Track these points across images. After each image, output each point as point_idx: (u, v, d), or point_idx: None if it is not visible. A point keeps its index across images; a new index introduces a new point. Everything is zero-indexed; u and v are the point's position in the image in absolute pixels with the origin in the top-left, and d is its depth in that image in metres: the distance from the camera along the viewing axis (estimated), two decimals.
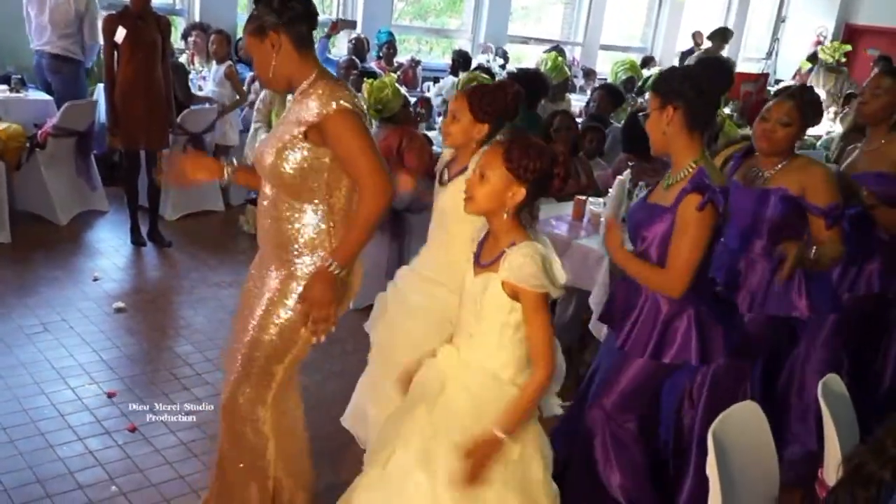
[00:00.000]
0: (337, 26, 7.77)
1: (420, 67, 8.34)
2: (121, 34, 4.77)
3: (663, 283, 2.32)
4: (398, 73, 7.53)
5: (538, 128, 4.73)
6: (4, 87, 5.76)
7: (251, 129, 5.42)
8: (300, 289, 2.18)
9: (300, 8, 2.11)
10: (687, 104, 2.30)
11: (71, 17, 5.92)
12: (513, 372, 2.06)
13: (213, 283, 4.75)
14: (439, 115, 6.48)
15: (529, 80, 5.11)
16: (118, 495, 2.77)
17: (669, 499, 2.76)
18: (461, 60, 7.72)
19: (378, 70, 6.90)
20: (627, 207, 3.81)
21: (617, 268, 3.34)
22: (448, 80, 7.19)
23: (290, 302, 2.20)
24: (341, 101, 2.07)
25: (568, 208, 4.04)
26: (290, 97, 2.41)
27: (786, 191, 2.69)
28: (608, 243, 2.49)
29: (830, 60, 10.08)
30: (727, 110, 6.90)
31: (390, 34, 8.16)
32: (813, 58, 10.50)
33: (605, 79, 8.72)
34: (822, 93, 8.87)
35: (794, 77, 10.67)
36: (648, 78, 7.98)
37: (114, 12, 4.89)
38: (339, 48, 8.40)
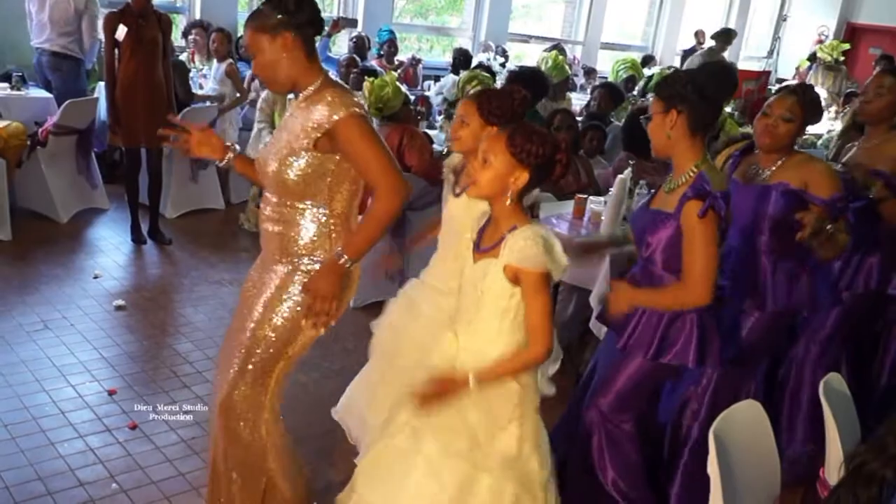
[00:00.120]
0: (338, 25, 7.77)
1: (420, 66, 8.34)
2: (122, 32, 4.77)
3: (689, 297, 2.31)
4: (399, 71, 7.53)
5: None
6: (5, 84, 5.76)
7: (254, 129, 5.40)
8: (299, 289, 2.19)
9: (312, 12, 2.12)
10: (690, 108, 2.30)
11: (70, 14, 5.92)
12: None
13: (214, 280, 4.76)
14: (440, 113, 6.47)
15: (530, 79, 5.12)
16: (119, 493, 2.77)
17: (664, 498, 2.77)
18: (462, 59, 7.71)
19: (378, 68, 6.90)
20: (629, 207, 3.83)
21: (616, 269, 3.35)
22: (449, 79, 7.18)
23: (289, 302, 2.21)
24: (352, 108, 2.08)
25: (568, 207, 4.04)
26: (289, 96, 2.40)
27: (787, 185, 2.68)
28: (621, 306, 2.44)
29: (829, 59, 10.08)
30: (728, 109, 6.89)
31: (391, 32, 8.16)
32: (812, 56, 10.50)
33: (606, 77, 8.70)
34: (822, 92, 8.86)
35: (794, 76, 10.66)
36: (651, 77, 7.96)
37: (115, 10, 4.88)
38: (340, 46, 8.41)
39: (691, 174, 2.32)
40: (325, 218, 2.19)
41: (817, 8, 12.25)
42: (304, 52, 2.12)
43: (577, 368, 3.73)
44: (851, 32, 12.36)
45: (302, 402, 3.36)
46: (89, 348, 3.76)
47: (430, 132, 5.65)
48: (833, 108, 8.59)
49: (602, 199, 3.95)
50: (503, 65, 8.41)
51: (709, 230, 2.24)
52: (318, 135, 2.09)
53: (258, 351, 2.24)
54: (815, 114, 2.78)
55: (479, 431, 2.07)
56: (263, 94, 5.52)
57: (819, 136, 7.66)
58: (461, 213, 2.60)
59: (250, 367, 2.25)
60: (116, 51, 4.85)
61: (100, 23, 5.79)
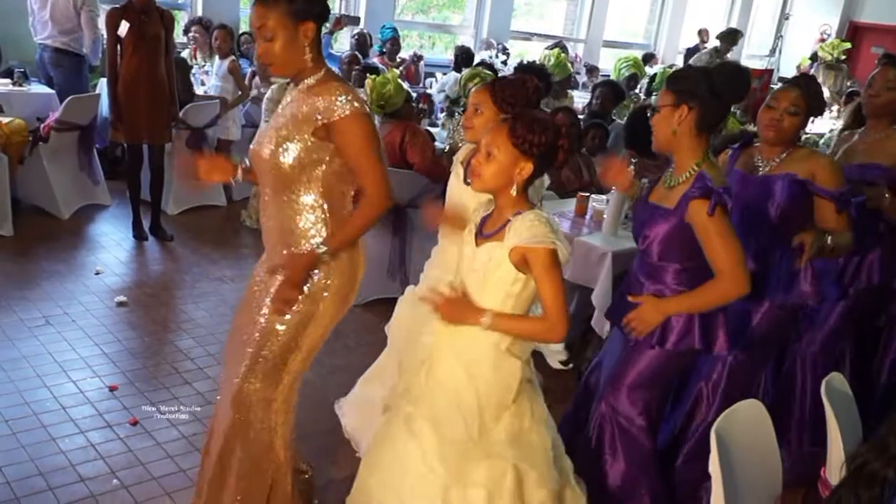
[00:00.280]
0: (341, 22, 7.76)
1: (422, 63, 8.33)
2: (124, 28, 4.77)
3: (729, 290, 2.28)
4: (400, 68, 7.52)
5: None
6: (7, 80, 5.76)
7: (261, 126, 5.40)
8: (307, 280, 2.21)
9: (326, 4, 2.16)
10: (701, 106, 2.29)
11: (71, 12, 5.94)
12: (510, 340, 2.10)
13: (215, 277, 4.76)
14: (441, 111, 6.47)
15: (537, 74, 5.10)
16: (119, 488, 2.77)
17: (671, 490, 2.78)
18: (463, 57, 7.71)
19: (380, 65, 6.90)
20: (631, 205, 3.82)
21: (621, 265, 3.35)
22: (450, 76, 7.18)
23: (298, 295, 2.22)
24: (356, 104, 2.09)
25: (571, 205, 4.04)
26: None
27: (794, 175, 2.68)
28: (653, 319, 2.40)
29: (830, 58, 10.07)
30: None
31: (394, 30, 8.16)
32: (814, 56, 10.49)
33: (608, 75, 8.69)
34: (824, 91, 8.84)
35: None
36: (654, 77, 7.95)
37: (117, 6, 4.88)
38: (342, 43, 8.40)
39: (692, 172, 2.32)
40: (320, 207, 2.20)
41: (820, 6, 12.24)
42: (315, 42, 2.14)
43: (578, 367, 3.73)
44: (854, 31, 12.35)
45: (304, 399, 3.34)
46: (90, 344, 3.76)
47: (432, 129, 5.65)
48: (835, 108, 8.57)
49: (604, 197, 3.95)
50: (505, 62, 8.40)
51: (723, 223, 2.24)
52: (319, 124, 2.10)
53: (269, 345, 2.25)
54: (818, 106, 2.77)
55: (486, 416, 2.08)
56: (268, 92, 5.51)
57: (821, 136, 7.65)
58: (470, 201, 2.62)
59: (261, 361, 2.26)
60: (119, 47, 4.84)
61: (101, 19, 5.81)
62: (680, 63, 10.11)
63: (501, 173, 2.02)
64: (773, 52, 12.18)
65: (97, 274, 4.60)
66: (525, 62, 6.12)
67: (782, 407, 3.14)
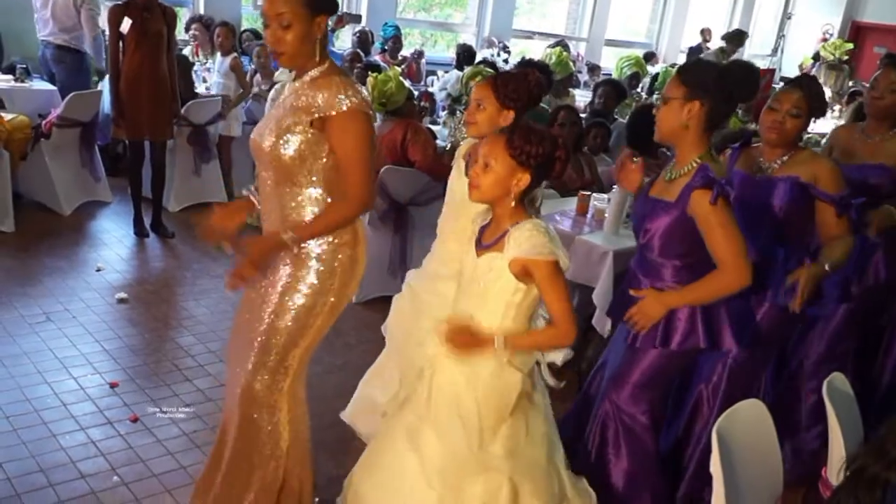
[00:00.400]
0: (343, 20, 7.75)
1: (424, 61, 8.32)
2: (126, 25, 4.77)
3: (731, 281, 2.27)
4: (402, 66, 7.52)
5: (544, 123, 4.72)
6: (9, 77, 5.76)
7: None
8: (312, 274, 2.22)
9: (337, 0, 2.20)
10: (713, 102, 2.28)
11: (71, 10, 5.96)
12: (511, 353, 2.10)
13: (216, 274, 4.75)
14: (443, 109, 6.46)
15: (540, 71, 5.10)
16: (120, 485, 2.77)
17: (674, 489, 2.78)
18: (465, 55, 7.70)
19: (382, 63, 6.89)
20: (632, 203, 3.82)
21: (622, 264, 3.34)
22: (452, 74, 7.17)
23: (304, 287, 2.23)
24: (354, 101, 2.10)
25: (572, 204, 4.04)
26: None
27: (797, 178, 2.67)
28: (655, 313, 2.39)
29: (832, 58, 10.06)
30: None
31: (397, 28, 8.15)
32: (816, 55, 10.48)
33: (610, 74, 8.69)
34: (826, 91, 8.84)
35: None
36: (656, 75, 7.94)
37: (119, 3, 4.88)
38: (343, 41, 8.39)
39: (694, 165, 2.32)
40: (322, 198, 2.21)
41: (822, 6, 12.23)
42: (323, 35, 2.16)
43: (579, 366, 3.72)
44: (856, 31, 12.34)
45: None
46: (91, 341, 3.76)
47: (434, 128, 5.64)
48: (836, 108, 8.57)
49: (605, 196, 3.94)
50: (506, 61, 8.40)
51: (725, 214, 2.23)
52: (316, 117, 2.11)
53: (278, 338, 2.26)
54: (820, 107, 2.77)
55: (484, 425, 2.08)
56: (272, 93, 5.50)
57: (823, 136, 7.65)
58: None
59: (271, 356, 2.27)
60: (121, 44, 4.84)
61: (101, 17, 5.82)
62: (682, 62, 10.10)
63: (499, 184, 2.03)
64: (775, 51, 12.17)
65: (98, 270, 4.60)
66: (524, 60, 6.13)
67: (784, 407, 3.13)
